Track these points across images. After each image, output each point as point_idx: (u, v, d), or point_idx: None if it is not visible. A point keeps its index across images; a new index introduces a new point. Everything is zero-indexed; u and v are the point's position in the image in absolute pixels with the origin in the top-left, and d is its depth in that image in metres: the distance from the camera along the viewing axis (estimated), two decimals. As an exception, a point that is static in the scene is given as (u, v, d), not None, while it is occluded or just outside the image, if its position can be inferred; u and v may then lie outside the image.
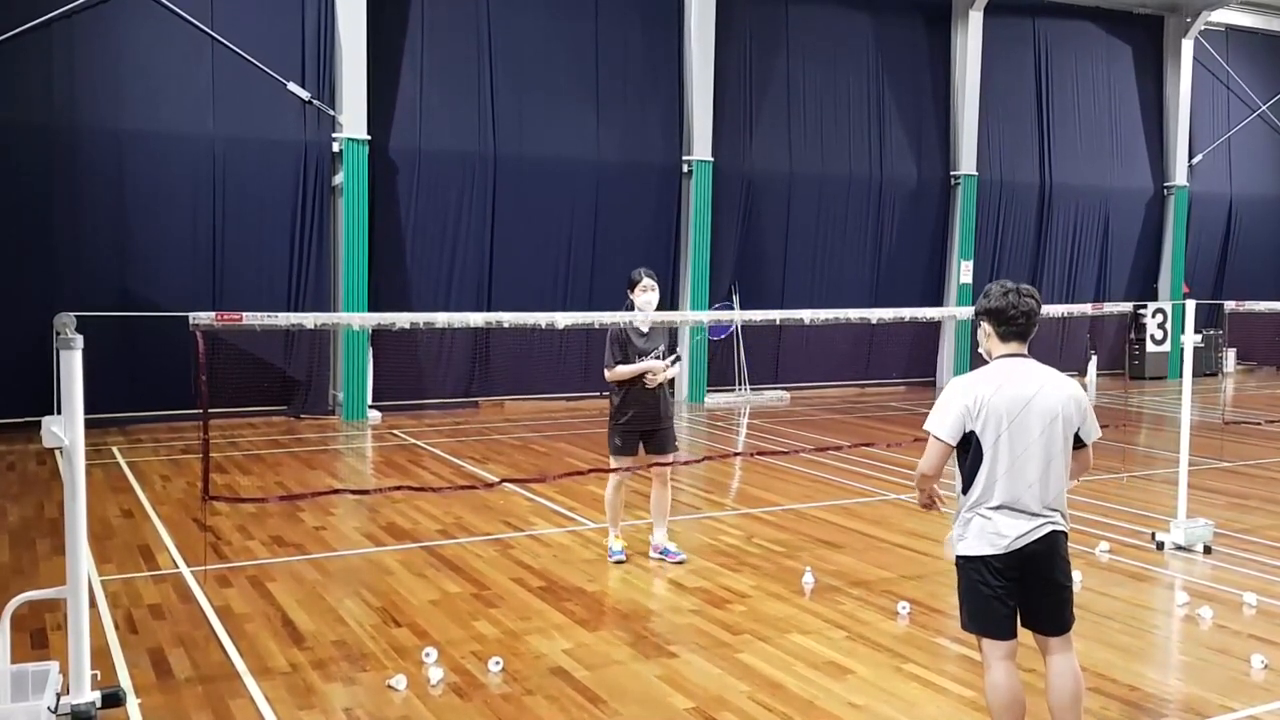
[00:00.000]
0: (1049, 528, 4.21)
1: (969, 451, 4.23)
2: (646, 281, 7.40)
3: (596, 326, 7.37)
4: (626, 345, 7.38)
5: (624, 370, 7.39)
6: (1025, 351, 4.34)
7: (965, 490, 4.27)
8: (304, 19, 14.57)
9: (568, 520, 8.94)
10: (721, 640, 6.07)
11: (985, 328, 4.36)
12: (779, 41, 17.99)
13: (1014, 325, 4.28)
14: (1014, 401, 4.18)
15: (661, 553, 7.68)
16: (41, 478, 10.62)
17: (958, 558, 4.32)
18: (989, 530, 4.19)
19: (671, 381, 7.66)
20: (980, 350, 4.48)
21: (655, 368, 7.40)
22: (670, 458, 7.63)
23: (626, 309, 7.50)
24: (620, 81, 16.69)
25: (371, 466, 11.79)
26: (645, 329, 7.43)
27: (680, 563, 7.60)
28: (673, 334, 7.64)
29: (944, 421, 4.23)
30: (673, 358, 7.49)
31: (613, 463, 7.59)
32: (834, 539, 8.40)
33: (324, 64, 14.67)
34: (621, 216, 16.67)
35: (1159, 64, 21.67)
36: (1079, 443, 4.32)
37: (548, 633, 6.18)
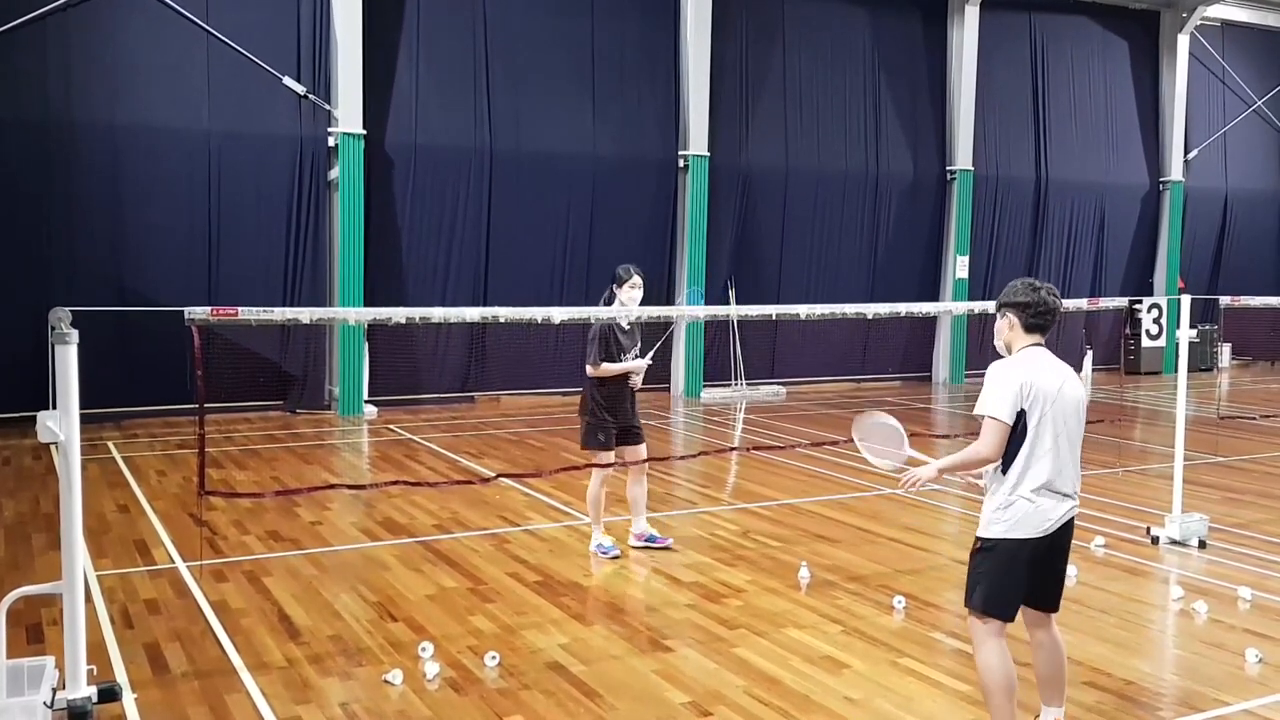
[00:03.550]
0: (1075, 510, 4.42)
1: (1013, 431, 4.32)
2: (636, 279, 7.43)
3: (592, 321, 7.38)
4: (611, 342, 7.41)
5: (611, 368, 7.43)
6: (1043, 344, 4.49)
7: (1005, 469, 4.34)
8: (299, 13, 14.54)
9: (564, 515, 8.94)
10: (717, 635, 6.08)
11: (1010, 318, 4.48)
12: (775, 36, 17.98)
13: (1040, 319, 4.43)
14: (1052, 386, 4.34)
15: (648, 539, 7.77)
16: (37, 473, 10.61)
17: (988, 539, 4.37)
18: (1035, 514, 4.29)
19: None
20: (997, 343, 4.59)
21: (639, 368, 7.50)
22: (645, 451, 7.74)
23: (604, 303, 7.56)
24: (616, 76, 16.69)
25: (367, 461, 11.78)
26: (626, 326, 7.48)
27: (667, 547, 7.71)
28: (645, 330, 7.75)
29: (1003, 403, 4.30)
30: (650, 355, 7.60)
31: (596, 458, 7.58)
32: (830, 534, 8.41)
33: (320, 58, 14.64)
34: (618, 211, 16.67)
35: (1155, 59, 21.70)
36: None
37: (544, 627, 6.18)
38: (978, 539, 4.43)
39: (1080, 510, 4.50)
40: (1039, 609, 4.48)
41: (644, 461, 7.68)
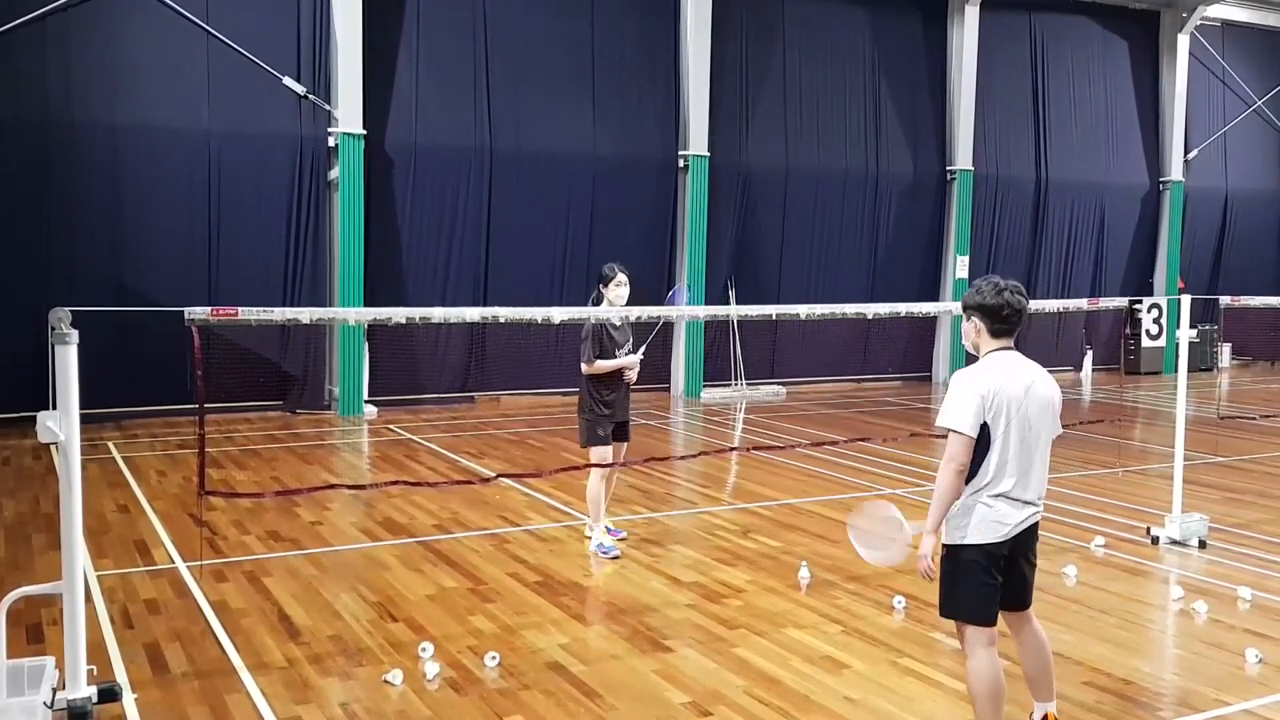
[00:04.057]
0: (1037, 516, 4.39)
1: (978, 439, 4.29)
2: (621, 276, 7.58)
3: (593, 321, 7.44)
4: (603, 340, 7.56)
5: (604, 365, 7.57)
6: (1012, 345, 4.46)
7: (970, 479, 4.31)
8: (299, 13, 14.54)
9: (564, 515, 8.94)
10: (717, 635, 6.08)
11: (976, 323, 4.44)
12: (775, 36, 17.98)
13: (1006, 322, 4.39)
14: (1018, 391, 4.30)
15: (606, 529, 7.96)
16: (37, 473, 10.61)
17: (952, 546, 4.36)
18: (991, 518, 4.28)
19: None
20: (965, 343, 4.58)
21: (633, 363, 7.65)
22: (624, 451, 8.04)
23: (593, 303, 7.71)
24: (616, 76, 16.68)
25: (367, 461, 11.78)
26: (618, 323, 7.61)
27: (622, 539, 7.98)
28: (635, 328, 7.89)
29: (965, 416, 4.27)
30: (642, 350, 7.74)
31: (595, 455, 7.68)
32: (830, 534, 8.40)
33: (320, 58, 14.63)
34: (618, 211, 16.66)
35: (1155, 59, 21.69)
36: None
37: (544, 627, 6.19)
38: (943, 546, 4.40)
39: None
40: (1012, 609, 4.47)
41: (622, 464, 8.04)
